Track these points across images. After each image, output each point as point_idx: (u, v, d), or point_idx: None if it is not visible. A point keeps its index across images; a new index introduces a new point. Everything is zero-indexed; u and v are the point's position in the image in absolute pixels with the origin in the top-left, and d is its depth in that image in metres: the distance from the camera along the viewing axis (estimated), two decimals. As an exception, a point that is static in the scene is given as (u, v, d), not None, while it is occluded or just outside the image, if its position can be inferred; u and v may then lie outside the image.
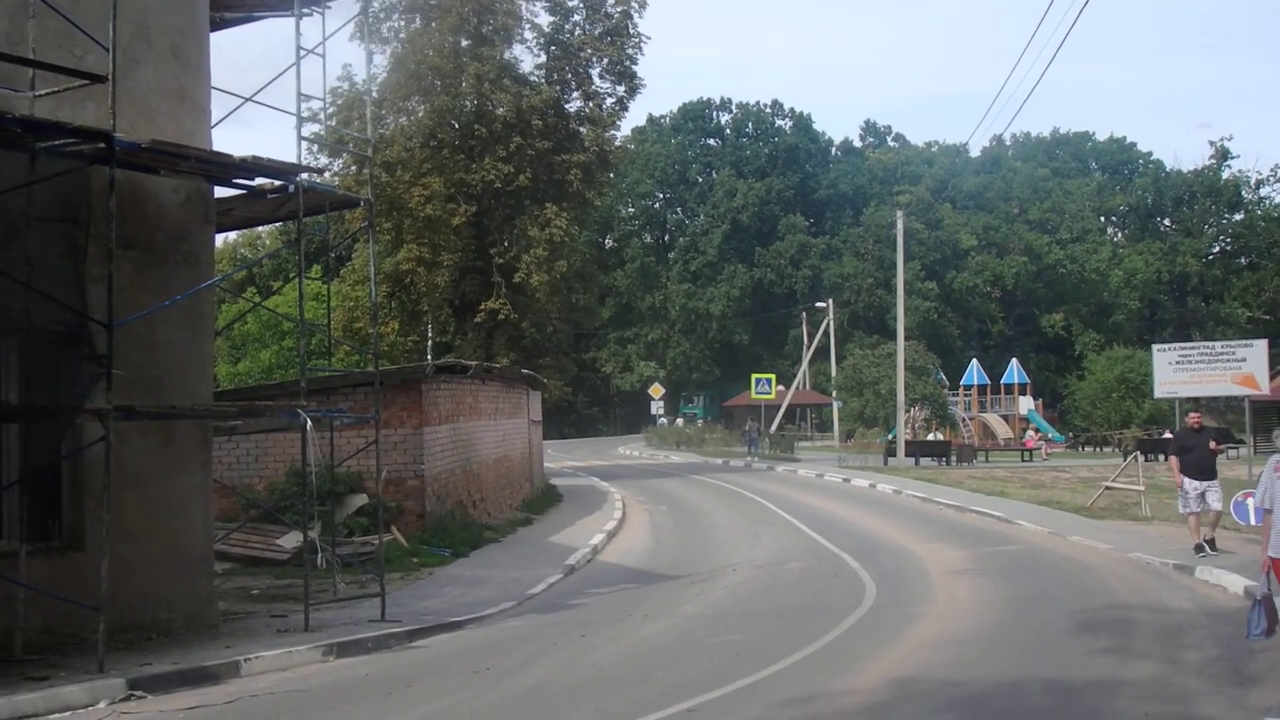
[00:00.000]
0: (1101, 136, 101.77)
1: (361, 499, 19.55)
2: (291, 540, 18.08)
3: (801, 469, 44.39)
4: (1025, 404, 65.77)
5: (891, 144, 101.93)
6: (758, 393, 56.61)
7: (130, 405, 11.40)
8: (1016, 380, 65.66)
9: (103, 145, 11.00)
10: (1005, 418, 64.35)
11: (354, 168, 38.24)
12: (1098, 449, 57.55)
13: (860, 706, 9.16)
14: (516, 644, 12.55)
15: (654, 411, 68.82)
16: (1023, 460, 48.80)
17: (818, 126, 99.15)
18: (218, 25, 15.07)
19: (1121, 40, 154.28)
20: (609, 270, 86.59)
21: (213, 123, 13.62)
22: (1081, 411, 66.34)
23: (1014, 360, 68.67)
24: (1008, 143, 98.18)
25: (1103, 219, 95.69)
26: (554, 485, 36.26)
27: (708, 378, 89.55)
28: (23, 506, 11.38)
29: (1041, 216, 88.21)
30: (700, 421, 76.02)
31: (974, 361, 67.56)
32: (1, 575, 10.95)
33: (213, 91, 13.64)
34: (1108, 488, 26.01)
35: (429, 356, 42.85)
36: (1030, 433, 57.07)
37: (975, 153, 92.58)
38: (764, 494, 32.74)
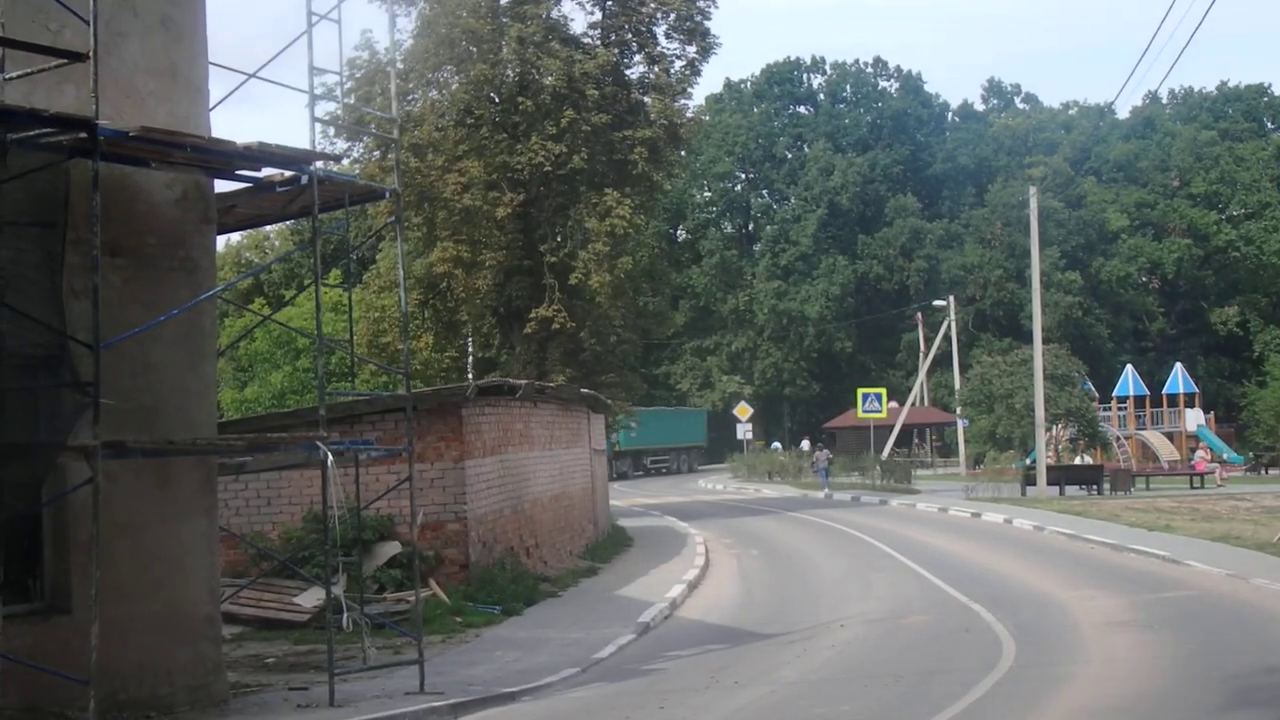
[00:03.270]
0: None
1: (394, 547, 19.68)
2: (311, 598, 18.24)
3: (920, 502, 44.10)
4: (1193, 418, 64.87)
5: (1021, 106, 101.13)
6: (865, 410, 56.19)
7: (121, 440, 11.54)
8: (1182, 389, 64.83)
9: (84, 135, 11.17)
10: (1169, 435, 63.49)
11: (377, 153, 38.62)
12: (1285, 472, 56.63)
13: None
14: (581, 719, 12.54)
15: (740, 435, 68.66)
16: (1192, 487, 48.06)
17: (930, 88, 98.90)
18: (214, -10, 15.30)
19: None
20: (683, 267, 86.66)
21: (212, 104, 13.81)
22: (1264, 426, 65.27)
23: (1178, 365, 67.88)
24: (1164, 101, 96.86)
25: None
26: (622, 527, 36.36)
27: (804, 394, 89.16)
28: (-2, 563, 11.56)
29: (1208, 189, 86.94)
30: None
31: (1129, 368, 66.81)
32: (-26, 644, 11.13)
33: (211, 68, 13.83)
34: (1299, 519, 25.58)
35: (470, 375, 43.13)
36: (1201, 453, 56.21)
37: (1124, 114, 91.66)
38: (875, 532, 32.57)
